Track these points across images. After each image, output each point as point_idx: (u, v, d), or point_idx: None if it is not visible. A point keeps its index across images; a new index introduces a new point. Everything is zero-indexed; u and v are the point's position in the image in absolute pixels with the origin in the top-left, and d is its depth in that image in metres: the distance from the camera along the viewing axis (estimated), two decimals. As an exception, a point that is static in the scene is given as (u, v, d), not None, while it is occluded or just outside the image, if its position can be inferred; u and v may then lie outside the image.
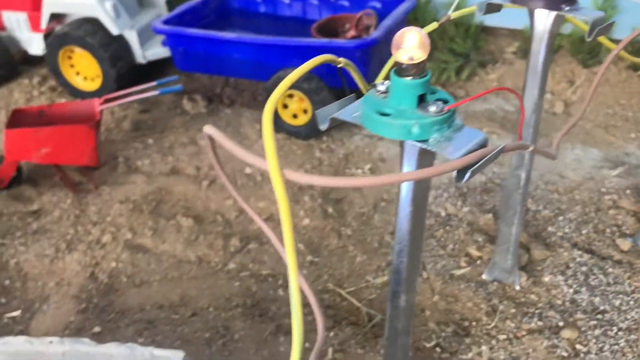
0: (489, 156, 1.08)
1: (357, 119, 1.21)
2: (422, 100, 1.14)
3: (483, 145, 1.13)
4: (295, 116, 3.15)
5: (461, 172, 1.07)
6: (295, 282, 1.13)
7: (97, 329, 2.09)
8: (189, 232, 2.51)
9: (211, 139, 1.37)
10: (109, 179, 2.86)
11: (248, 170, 2.92)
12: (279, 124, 3.17)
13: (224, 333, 2.05)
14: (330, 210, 2.64)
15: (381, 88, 1.19)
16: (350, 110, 1.24)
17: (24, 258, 2.38)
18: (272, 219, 2.60)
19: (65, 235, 2.49)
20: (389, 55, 3.38)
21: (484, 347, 1.98)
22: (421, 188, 1.28)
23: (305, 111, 3.11)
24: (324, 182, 1.06)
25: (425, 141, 1.12)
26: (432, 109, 1.11)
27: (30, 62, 3.94)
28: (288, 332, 2.06)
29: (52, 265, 2.36)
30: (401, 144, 1.23)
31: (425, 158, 1.21)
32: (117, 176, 2.89)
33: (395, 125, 1.12)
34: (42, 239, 2.46)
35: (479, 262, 2.33)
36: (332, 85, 3.03)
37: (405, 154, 1.22)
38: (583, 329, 2.02)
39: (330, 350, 1.97)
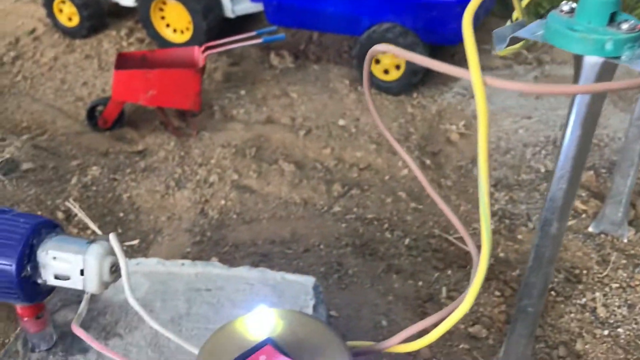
0: (682, 74, 1.10)
1: (539, 37, 1.23)
2: (611, 19, 1.15)
3: (672, 65, 1.15)
4: (386, 72, 3.16)
5: (654, 87, 1.09)
6: (485, 186, 1.17)
7: (214, 259, 2.16)
8: (292, 177, 2.56)
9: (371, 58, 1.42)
10: (207, 125, 2.93)
11: (342, 122, 2.96)
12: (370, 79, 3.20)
13: (338, 268, 2.10)
14: (428, 162, 2.67)
15: (565, 8, 1.21)
16: (530, 30, 1.25)
17: (136, 193, 2.46)
18: (370, 168, 2.65)
19: (173, 174, 2.57)
20: (485, 12, 3.37)
21: (597, 294, 1.99)
22: (594, 110, 1.30)
23: (397, 67, 3.13)
24: (522, 88, 1.09)
25: (617, 57, 1.14)
26: (624, 26, 1.13)
27: (116, 14, 4.03)
28: (399, 271, 2.10)
29: (163, 201, 2.44)
30: (577, 63, 1.25)
31: (603, 78, 1.23)
32: (214, 123, 2.96)
33: (589, 40, 1.13)
34: (151, 176, 2.54)
35: (584, 215, 2.34)
36: (426, 41, 3.04)
37: (584, 73, 1.24)
38: (698, 281, 2.03)
39: (444, 289, 2.01)
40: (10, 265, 1.34)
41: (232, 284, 1.80)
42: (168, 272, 1.88)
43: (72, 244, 1.40)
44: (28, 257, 1.35)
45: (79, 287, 1.39)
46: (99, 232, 2.23)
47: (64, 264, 1.37)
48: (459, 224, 1.52)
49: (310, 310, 1.69)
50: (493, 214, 2.36)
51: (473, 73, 1.10)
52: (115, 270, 1.43)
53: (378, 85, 3.19)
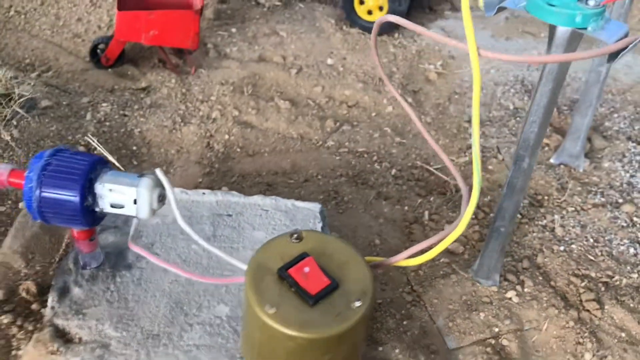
0: (634, 43, 1.38)
1: (522, 7, 1.49)
2: (581, -5, 1.42)
3: (626, 35, 1.43)
4: (370, 12, 3.38)
5: (613, 55, 1.38)
6: (476, 132, 1.46)
7: (224, 188, 2.43)
8: (288, 113, 2.81)
9: (377, 30, 1.67)
10: (203, 63, 3.12)
11: (330, 61, 3.19)
12: (353, 18, 3.41)
13: (335, 196, 2.40)
14: (410, 100, 2.94)
15: (544, -15, 1.46)
16: (515, 1, 1.52)
17: (146, 128, 2.68)
18: (358, 106, 2.91)
19: (177, 110, 2.79)
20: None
21: (556, 216, 2.35)
22: (563, 70, 1.58)
23: (381, 8, 3.34)
24: (514, 59, 1.36)
25: (584, 29, 1.41)
26: (592, 3, 1.40)
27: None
28: (387, 198, 2.41)
29: (172, 135, 2.67)
30: (551, 31, 1.52)
31: (571, 45, 1.51)
32: (210, 61, 3.15)
33: (562, 14, 1.40)
34: (157, 112, 2.76)
35: (546, 148, 2.67)
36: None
37: (556, 40, 1.51)
38: (639, 205, 2.40)
39: (426, 212, 2.34)
40: (75, 197, 1.60)
41: (250, 210, 2.09)
42: (191, 200, 2.15)
43: (125, 178, 1.67)
44: (88, 190, 1.61)
45: (132, 213, 1.66)
46: (118, 164, 2.46)
47: (119, 194, 1.64)
48: (445, 157, 1.82)
49: (319, 232, 1.99)
50: (467, 147, 2.67)
51: (470, 47, 1.37)
52: (161, 199, 1.71)
53: (362, 26, 3.40)
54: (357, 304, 1.41)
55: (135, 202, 1.63)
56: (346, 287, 1.45)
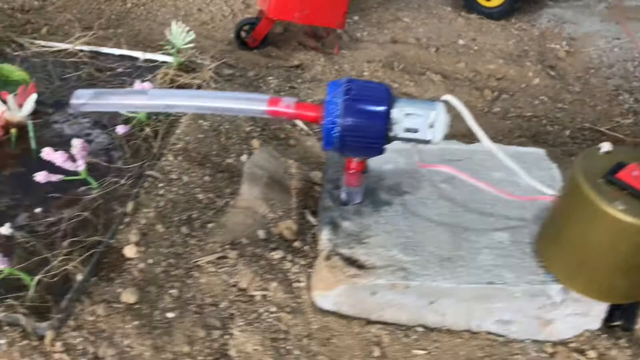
0: None
1: None
2: None
3: None
4: (488, -2, 3.51)
5: None
6: None
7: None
8: (444, 85, 2.88)
9: None
10: (341, 45, 3.19)
11: (461, 41, 3.29)
12: (472, 5, 3.53)
13: (524, 153, 2.46)
14: (552, 73, 3.05)
15: None
16: None
17: (318, 98, 2.71)
18: (506, 79, 3.01)
19: (339, 83, 2.83)
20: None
21: None
22: None
23: (500, -6, 3.48)
24: None
25: None
26: None
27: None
28: (572, 154, 2.48)
29: (342, 105, 2.71)
30: None
31: None
32: (346, 44, 3.22)
33: None
34: (321, 86, 2.80)
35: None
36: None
37: None
38: None
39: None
40: (381, 121, 1.64)
41: (476, 155, 2.14)
42: (416, 148, 2.19)
43: (421, 103, 1.73)
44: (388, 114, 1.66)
45: (425, 137, 1.71)
46: (304, 127, 2.48)
47: (415, 119, 1.69)
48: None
49: (556, 173, 2.04)
50: (626, 112, 2.78)
51: None
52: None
53: (480, 12, 3.52)
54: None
55: (430, 126, 1.68)
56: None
